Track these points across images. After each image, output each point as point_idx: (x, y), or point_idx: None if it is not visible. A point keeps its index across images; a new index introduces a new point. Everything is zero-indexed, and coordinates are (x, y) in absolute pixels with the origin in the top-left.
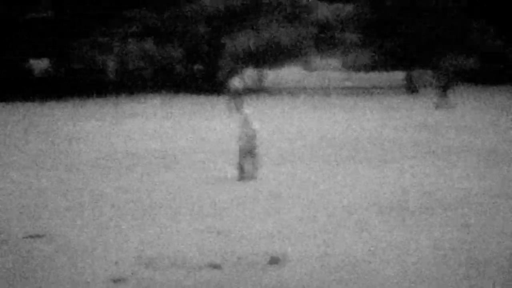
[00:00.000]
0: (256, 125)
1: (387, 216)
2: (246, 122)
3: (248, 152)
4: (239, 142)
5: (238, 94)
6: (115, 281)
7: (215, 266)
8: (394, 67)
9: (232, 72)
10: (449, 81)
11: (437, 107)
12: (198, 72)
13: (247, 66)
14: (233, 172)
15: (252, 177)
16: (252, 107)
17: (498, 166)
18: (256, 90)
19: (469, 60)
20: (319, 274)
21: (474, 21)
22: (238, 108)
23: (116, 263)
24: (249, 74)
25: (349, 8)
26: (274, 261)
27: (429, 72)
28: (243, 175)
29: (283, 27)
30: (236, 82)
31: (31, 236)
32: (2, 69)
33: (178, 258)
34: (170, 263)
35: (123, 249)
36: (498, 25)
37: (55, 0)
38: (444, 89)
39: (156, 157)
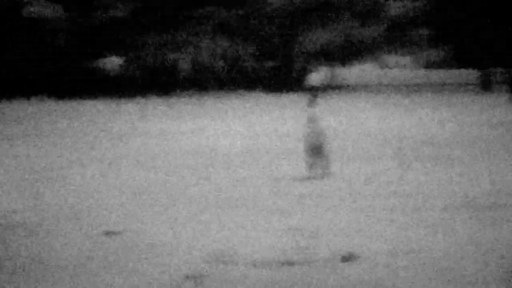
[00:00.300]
0: (323, 122)
1: (462, 214)
2: (313, 120)
3: (316, 149)
4: (306, 139)
5: (315, 90)
6: (191, 277)
7: (289, 263)
8: (467, 65)
9: (308, 69)
10: (490, 77)
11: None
12: (270, 69)
13: (319, 63)
14: (305, 169)
15: (324, 175)
16: (322, 104)
17: None
18: (328, 87)
19: None
20: (395, 271)
21: None
22: (313, 105)
23: (192, 260)
24: (321, 71)
25: (420, 4)
26: (347, 258)
27: (503, 70)
28: (313, 172)
29: (354, 24)
30: (313, 78)
31: (111, 233)
32: (74, 68)
33: (253, 255)
34: (245, 260)
35: (199, 246)
36: None
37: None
38: (487, 82)
39: (231, 155)
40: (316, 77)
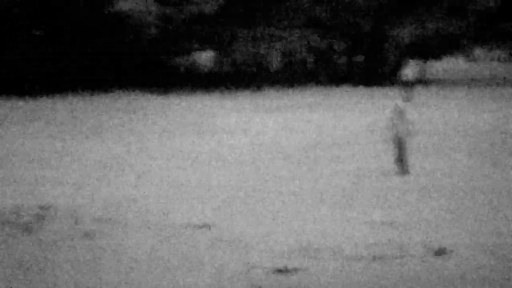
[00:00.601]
0: (411, 116)
1: None
2: (400, 114)
3: (401, 144)
4: (394, 135)
5: (410, 84)
6: (279, 271)
7: (380, 257)
8: None
9: (402, 63)
10: None
11: None
12: (361, 64)
13: (411, 57)
14: (391, 164)
15: (406, 170)
16: (414, 98)
17: None
18: (419, 81)
19: None
20: (489, 265)
21: None
22: (409, 99)
23: (282, 253)
24: (415, 65)
25: None
26: (440, 253)
27: None
28: (402, 167)
29: (446, 17)
30: (407, 72)
31: (194, 226)
32: (165, 62)
33: (342, 249)
34: (335, 254)
35: (287, 240)
36: None
37: None
38: None
39: (319, 149)
40: (410, 71)
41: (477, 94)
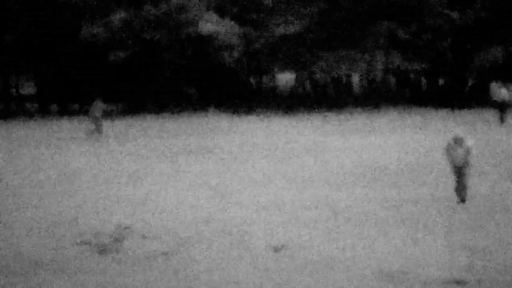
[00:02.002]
0: (469, 143)
1: None
2: (459, 140)
3: (461, 173)
4: (452, 161)
5: (504, 106)
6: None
7: (461, 282)
8: None
9: (485, 86)
10: None
11: None
12: (443, 86)
13: (494, 80)
14: (451, 191)
15: (463, 198)
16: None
17: None
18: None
19: None
20: None
21: None
22: (503, 119)
23: (362, 277)
24: (505, 88)
25: None
26: None
27: None
28: (460, 196)
29: None
30: (503, 93)
31: (275, 248)
32: (246, 83)
33: (424, 273)
34: (416, 279)
35: (367, 263)
36: None
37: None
38: None
39: (397, 171)
40: (505, 92)
41: None
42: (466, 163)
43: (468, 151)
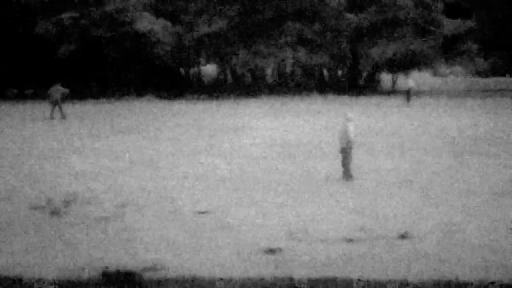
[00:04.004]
0: (351, 127)
1: (500, 200)
2: (345, 126)
3: (347, 153)
4: (341, 144)
5: (409, 92)
6: (269, 251)
7: (352, 240)
8: (510, 73)
9: (375, 76)
10: None
11: None
12: (341, 77)
13: (383, 72)
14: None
15: (349, 175)
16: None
17: None
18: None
19: None
20: (444, 248)
21: None
22: (409, 102)
23: (270, 236)
24: (414, 78)
25: (470, 23)
26: (403, 236)
27: None
28: (346, 174)
29: (414, 39)
30: (410, 82)
31: (199, 212)
32: (177, 73)
33: (320, 233)
34: (314, 237)
35: (274, 225)
36: None
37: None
38: None
39: (296, 147)
40: (411, 81)
41: (441, 103)
42: (348, 143)
43: (347, 133)
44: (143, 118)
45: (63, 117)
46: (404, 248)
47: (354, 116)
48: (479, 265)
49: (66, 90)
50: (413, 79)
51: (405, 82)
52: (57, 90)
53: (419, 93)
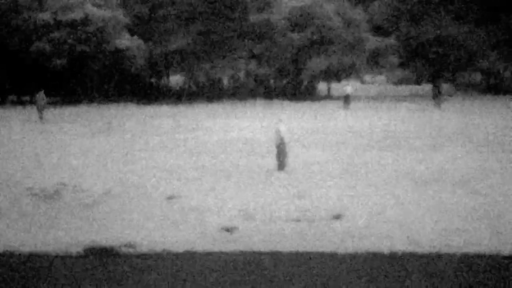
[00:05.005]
0: (283, 127)
1: (419, 187)
2: (278, 126)
3: (280, 149)
4: (275, 142)
5: (348, 98)
6: (227, 229)
7: (297, 219)
8: (424, 81)
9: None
10: (439, 92)
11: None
12: (285, 85)
13: (320, 82)
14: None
15: (282, 167)
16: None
17: (483, 149)
18: (330, 97)
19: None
20: (373, 227)
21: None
22: (347, 106)
23: (226, 217)
24: (351, 85)
25: (392, 39)
26: (337, 217)
27: (445, 85)
28: (280, 166)
29: (345, 53)
30: (348, 88)
31: (168, 198)
32: (148, 83)
33: (271, 214)
34: (264, 217)
35: (230, 208)
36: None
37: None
38: (437, 96)
39: (242, 144)
40: (349, 88)
41: (369, 106)
42: (280, 141)
43: (279, 133)
44: (119, 120)
45: (41, 118)
46: (337, 227)
47: (292, 118)
48: (401, 239)
49: (46, 97)
50: (351, 86)
51: (344, 89)
52: (41, 96)
53: (352, 99)
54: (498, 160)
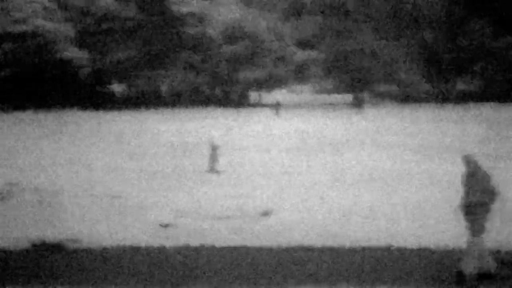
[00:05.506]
0: (215, 136)
1: (339, 186)
2: (211, 132)
3: (213, 152)
4: (209, 146)
5: (278, 105)
6: (164, 226)
7: (229, 217)
8: (346, 91)
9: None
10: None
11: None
12: (220, 93)
13: (250, 91)
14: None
15: (214, 170)
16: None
17: (396, 152)
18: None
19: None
20: (298, 223)
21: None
22: (278, 113)
23: (164, 214)
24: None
25: (317, 53)
26: (265, 214)
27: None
28: (211, 168)
29: (275, 64)
30: (278, 97)
31: (112, 197)
32: (92, 91)
33: (204, 211)
34: (198, 215)
35: (167, 206)
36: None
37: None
38: (358, 104)
39: (175, 146)
40: (279, 96)
41: (295, 113)
42: (213, 145)
43: (212, 138)
44: (66, 126)
45: None
46: (265, 222)
47: (225, 124)
48: (322, 233)
49: None
50: (282, 95)
51: (274, 97)
52: None
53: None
54: (404, 161)
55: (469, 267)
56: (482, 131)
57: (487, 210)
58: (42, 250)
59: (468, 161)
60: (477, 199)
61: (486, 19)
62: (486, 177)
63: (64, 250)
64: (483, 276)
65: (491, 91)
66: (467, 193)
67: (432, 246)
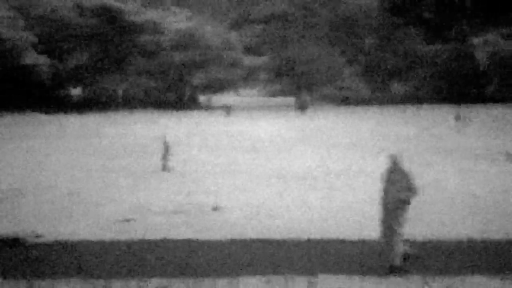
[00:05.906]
0: (168, 137)
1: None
2: (163, 133)
3: (165, 151)
4: (162, 146)
5: (229, 108)
6: (121, 221)
7: (182, 212)
8: (292, 94)
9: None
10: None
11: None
12: (172, 97)
13: (201, 94)
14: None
15: (167, 168)
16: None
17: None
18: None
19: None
20: (248, 218)
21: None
22: (229, 115)
23: (122, 210)
24: (232, 97)
25: (264, 59)
26: (215, 209)
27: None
28: (165, 167)
29: (224, 70)
30: (229, 100)
31: (71, 194)
32: (52, 94)
33: (158, 207)
34: (153, 211)
35: (126, 202)
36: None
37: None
38: (302, 104)
39: (135, 147)
40: (230, 99)
41: (243, 115)
42: (165, 145)
43: (164, 139)
44: (28, 128)
45: None
46: (215, 217)
47: (177, 125)
48: (267, 227)
49: None
50: (232, 98)
51: (226, 100)
52: None
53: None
54: (340, 158)
55: (397, 260)
56: (414, 131)
57: (406, 206)
58: (2, 244)
59: (392, 160)
60: (397, 195)
61: (418, 27)
62: (406, 175)
63: (23, 244)
64: (391, 268)
65: (422, 94)
66: (387, 190)
67: (366, 238)
